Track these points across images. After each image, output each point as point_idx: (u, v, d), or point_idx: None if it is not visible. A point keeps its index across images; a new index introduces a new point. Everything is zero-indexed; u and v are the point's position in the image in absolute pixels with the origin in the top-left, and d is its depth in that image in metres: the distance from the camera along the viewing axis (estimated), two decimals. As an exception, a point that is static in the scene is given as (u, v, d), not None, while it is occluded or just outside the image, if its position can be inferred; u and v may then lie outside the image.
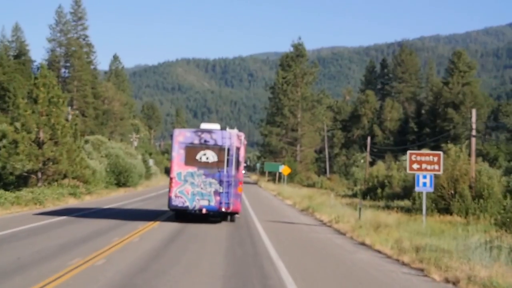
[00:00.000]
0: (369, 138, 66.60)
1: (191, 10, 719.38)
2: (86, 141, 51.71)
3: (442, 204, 34.51)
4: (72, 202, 35.04)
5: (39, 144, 38.76)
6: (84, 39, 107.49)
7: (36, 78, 39.67)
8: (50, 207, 30.64)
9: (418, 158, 22.84)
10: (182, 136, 23.00)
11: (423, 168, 22.65)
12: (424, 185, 22.82)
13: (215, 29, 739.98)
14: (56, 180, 40.34)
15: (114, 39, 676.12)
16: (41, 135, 39.10)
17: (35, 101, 38.77)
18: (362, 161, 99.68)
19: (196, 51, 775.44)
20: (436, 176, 27.80)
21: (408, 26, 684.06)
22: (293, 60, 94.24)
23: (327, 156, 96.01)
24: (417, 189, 23.47)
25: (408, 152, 23.25)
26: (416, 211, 34.44)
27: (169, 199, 22.71)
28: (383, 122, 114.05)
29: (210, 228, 22.39)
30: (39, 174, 39.14)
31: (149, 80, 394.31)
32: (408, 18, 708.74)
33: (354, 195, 56.04)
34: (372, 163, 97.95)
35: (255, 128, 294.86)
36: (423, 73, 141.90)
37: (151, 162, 77.01)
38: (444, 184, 34.52)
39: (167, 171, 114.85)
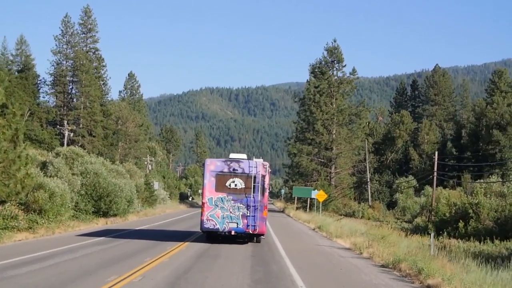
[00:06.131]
0: (436, 153, 49.23)
1: (215, 41, 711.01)
2: (57, 154, 35.45)
3: None
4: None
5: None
6: (94, 53, 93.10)
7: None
8: None
9: None
10: (213, 165, 23.37)
11: None
12: None
13: (239, 60, 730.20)
14: (-12, 207, 24.25)
15: (140, 69, 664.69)
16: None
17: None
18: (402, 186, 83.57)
19: (220, 80, 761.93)
20: None
21: (427, 58, 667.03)
22: (327, 66, 75.51)
23: (368, 179, 77.35)
24: None
25: None
26: None
27: (201, 222, 23.14)
28: (419, 145, 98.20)
29: None
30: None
31: (173, 108, 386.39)
32: (427, 50, 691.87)
33: (423, 230, 38.50)
34: (417, 189, 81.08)
35: (277, 156, 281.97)
36: (457, 96, 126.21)
37: (156, 185, 60.16)
38: None
39: (182, 197, 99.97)
